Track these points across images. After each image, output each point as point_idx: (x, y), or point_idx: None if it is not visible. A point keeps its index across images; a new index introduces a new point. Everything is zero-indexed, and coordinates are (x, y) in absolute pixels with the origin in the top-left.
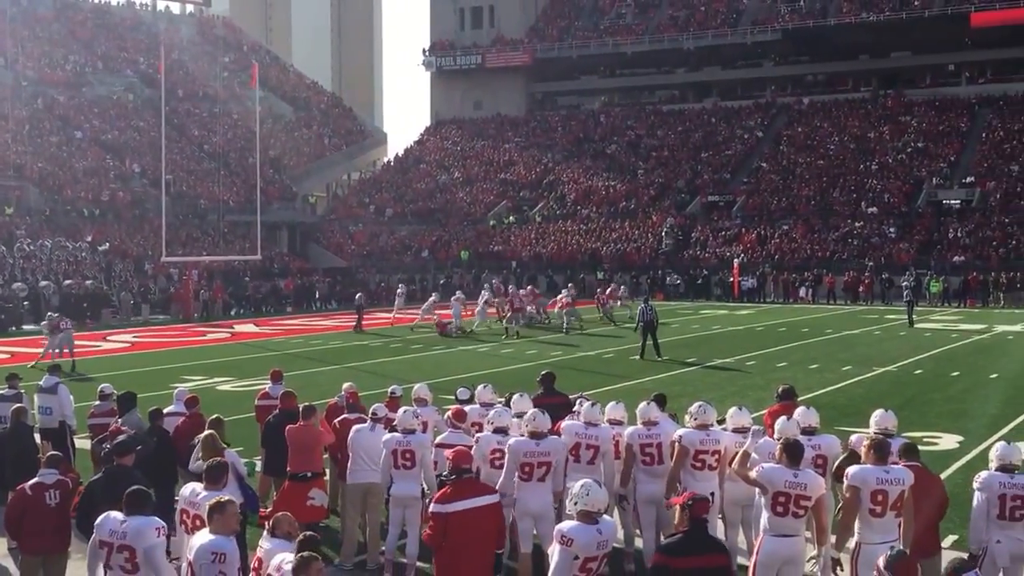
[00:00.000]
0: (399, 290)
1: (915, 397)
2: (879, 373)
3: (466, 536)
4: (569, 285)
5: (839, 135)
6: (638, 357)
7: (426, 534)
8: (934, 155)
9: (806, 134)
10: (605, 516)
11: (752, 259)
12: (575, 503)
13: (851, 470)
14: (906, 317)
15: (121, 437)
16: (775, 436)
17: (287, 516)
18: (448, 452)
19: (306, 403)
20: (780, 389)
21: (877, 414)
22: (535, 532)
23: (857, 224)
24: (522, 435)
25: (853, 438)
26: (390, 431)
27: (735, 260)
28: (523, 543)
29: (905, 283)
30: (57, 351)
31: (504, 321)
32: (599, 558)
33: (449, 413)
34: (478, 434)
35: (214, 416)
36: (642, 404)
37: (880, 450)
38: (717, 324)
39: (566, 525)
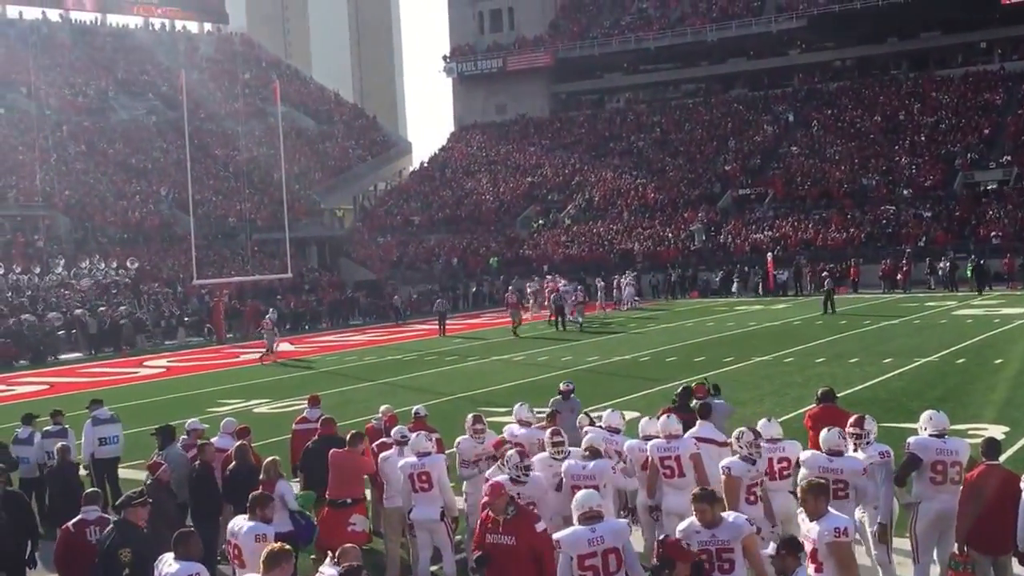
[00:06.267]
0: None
1: (957, 388)
2: (920, 364)
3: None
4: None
5: (869, 116)
6: (562, 328)
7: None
8: (967, 131)
9: (836, 116)
10: (611, 518)
11: (786, 251)
12: (575, 515)
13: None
14: (827, 307)
15: (132, 491)
16: (822, 446)
17: (354, 549)
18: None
19: (355, 431)
20: (820, 392)
21: (932, 418)
22: None
23: (891, 209)
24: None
25: (912, 440)
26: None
27: (769, 254)
28: None
29: (825, 274)
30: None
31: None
32: (597, 555)
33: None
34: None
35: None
36: (663, 418)
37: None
38: (753, 320)
39: (558, 533)
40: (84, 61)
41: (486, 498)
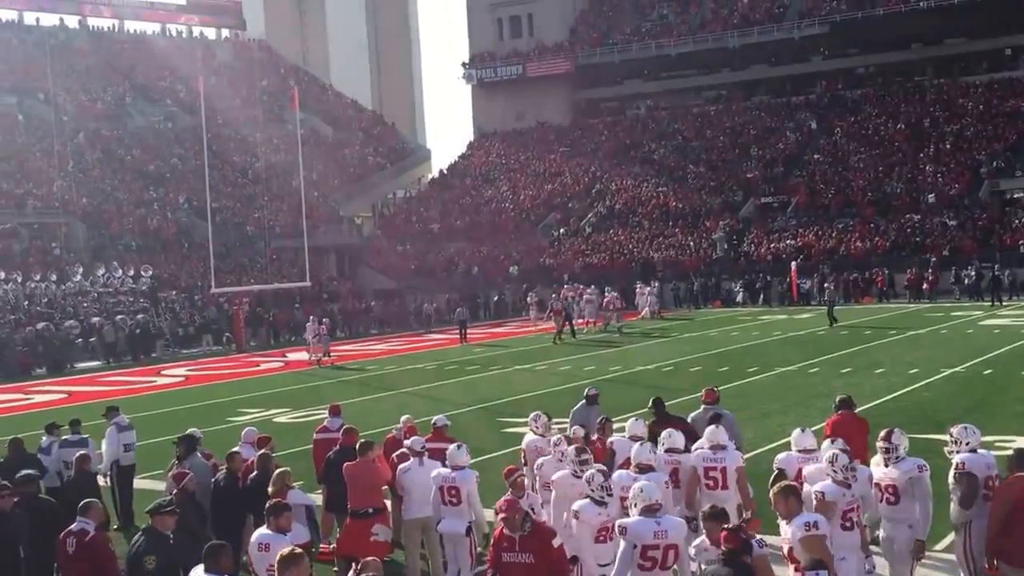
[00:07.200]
0: (530, 299)
1: (985, 399)
2: (947, 375)
3: None
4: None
5: (893, 123)
6: (572, 336)
7: None
8: (993, 138)
9: (859, 123)
10: (669, 516)
11: (809, 260)
12: (635, 505)
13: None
14: (828, 319)
15: (162, 499)
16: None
17: (376, 561)
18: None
19: (363, 440)
20: (837, 399)
21: (975, 432)
22: None
23: (916, 217)
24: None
25: (964, 460)
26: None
27: (792, 263)
28: None
29: (827, 284)
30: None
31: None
32: (660, 547)
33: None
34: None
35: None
36: (710, 427)
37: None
38: (777, 330)
39: (625, 520)
40: (101, 67)
41: (502, 514)
